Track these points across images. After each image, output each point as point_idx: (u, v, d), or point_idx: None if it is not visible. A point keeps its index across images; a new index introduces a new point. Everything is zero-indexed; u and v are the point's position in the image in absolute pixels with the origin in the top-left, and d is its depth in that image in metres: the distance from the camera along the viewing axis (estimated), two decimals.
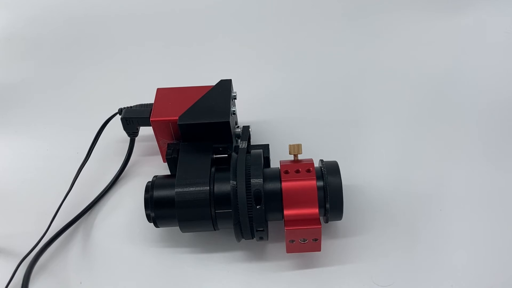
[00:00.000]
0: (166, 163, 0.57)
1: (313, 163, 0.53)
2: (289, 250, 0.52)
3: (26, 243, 0.56)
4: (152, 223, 0.54)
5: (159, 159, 0.64)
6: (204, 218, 0.52)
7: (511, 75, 0.72)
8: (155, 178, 0.54)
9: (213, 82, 0.61)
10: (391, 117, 0.69)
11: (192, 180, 0.52)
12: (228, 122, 0.55)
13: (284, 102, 0.72)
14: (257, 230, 0.51)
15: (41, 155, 0.68)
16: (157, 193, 0.53)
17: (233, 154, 0.55)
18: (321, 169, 0.53)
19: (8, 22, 0.88)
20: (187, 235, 0.58)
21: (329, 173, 0.52)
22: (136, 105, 0.62)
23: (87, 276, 0.55)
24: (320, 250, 0.52)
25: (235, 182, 0.51)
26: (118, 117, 0.62)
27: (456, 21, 0.80)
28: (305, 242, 0.51)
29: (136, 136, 0.63)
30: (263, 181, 0.51)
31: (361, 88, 0.73)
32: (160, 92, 0.61)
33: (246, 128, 0.60)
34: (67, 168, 0.62)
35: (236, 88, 0.62)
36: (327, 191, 0.51)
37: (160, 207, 0.52)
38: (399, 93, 0.72)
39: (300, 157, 0.54)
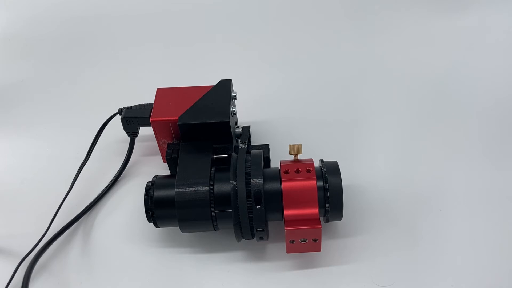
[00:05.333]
0: (166, 163, 0.58)
1: (313, 163, 0.53)
2: (289, 250, 0.52)
3: (26, 243, 0.56)
4: (152, 223, 0.54)
5: (159, 159, 0.64)
6: (204, 218, 0.52)
7: (511, 75, 0.72)
8: (155, 178, 0.54)
9: (213, 82, 0.61)
10: (391, 117, 0.69)
11: (192, 180, 0.52)
12: (228, 122, 0.55)
13: (284, 102, 0.72)
14: (257, 230, 0.51)
15: (41, 155, 0.68)
16: (157, 193, 0.53)
17: (233, 154, 0.55)
18: (321, 169, 0.53)
19: (8, 22, 0.88)
20: (187, 235, 0.58)
21: (329, 173, 0.52)
22: (136, 105, 0.62)
23: (87, 276, 0.55)
24: (320, 250, 0.52)
25: (235, 182, 0.51)
26: (118, 117, 0.62)
27: (456, 21, 0.80)
28: (305, 242, 0.51)
29: (136, 136, 0.63)
30: (263, 181, 0.51)
31: (361, 88, 0.73)
32: (160, 92, 0.61)
33: (246, 128, 0.60)
34: (67, 168, 0.63)
35: (236, 88, 0.62)
36: (327, 191, 0.51)
37: (160, 207, 0.52)
38: (399, 93, 0.72)
39: (300, 157, 0.54)
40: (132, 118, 0.61)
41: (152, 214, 0.53)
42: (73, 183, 0.59)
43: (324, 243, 0.54)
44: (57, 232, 0.58)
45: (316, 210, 0.50)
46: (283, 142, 0.60)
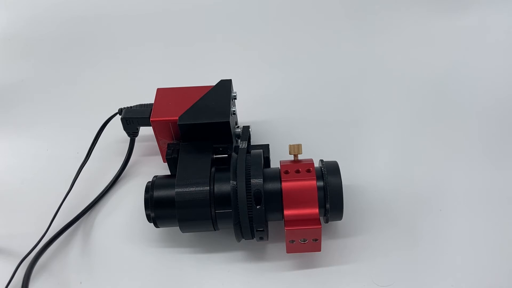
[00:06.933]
0: (166, 163, 0.58)
1: (313, 163, 0.53)
2: (289, 250, 0.52)
3: (26, 243, 0.56)
4: (152, 223, 0.54)
5: (159, 159, 0.64)
6: (204, 218, 0.52)
7: (511, 75, 0.72)
8: (155, 178, 0.54)
9: (213, 82, 0.61)
10: (391, 117, 0.69)
11: (192, 180, 0.52)
12: (228, 122, 0.55)
13: (284, 102, 0.72)
14: (257, 230, 0.51)
15: (41, 155, 0.68)
16: (157, 193, 0.53)
17: (233, 154, 0.55)
18: (321, 169, 0.53)
19: (8, 22, 0.88)
20: (187, 235, 0.58)
21: (329, 173, 0.52)
22: (136, 105, 0.62)
23: (87, 276, 0.55)
24: (320, 250, 0.52)
25: (235, 182, 0.51)
26: (118, 117, 0.62)
27: (456, 21, 0.80)
28: (305, 242, 0.51)
29: (136, 136, 0.63)
30: (263, 181, 0.51)
31: (361, 88, 0.73)
32: (160, 92, 0.61)
33: (246, 128, 0.60)
34: (67, 168, 0.63)
35: (236, 88, 0.62)
36: (327, 191, 0.51)
37: (160, 207, 0.52)
38: (399, 93, 0.72)
39: (300, 157, 0.54)
40: (132, 118, 0.61)
41: (152, 214, 0.53)
42: (73, 183, 0.59)
43: (324, 243, 0.54)
44: (57, 232, 0.58)
45: (316, 210, 0.50)
46: (283, 142, 0.60)
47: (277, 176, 0.52)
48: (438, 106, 0.69)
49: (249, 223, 0.51)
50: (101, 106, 0.66)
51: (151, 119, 0.58)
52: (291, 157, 0.54)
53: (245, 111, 0.67)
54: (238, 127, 0.61)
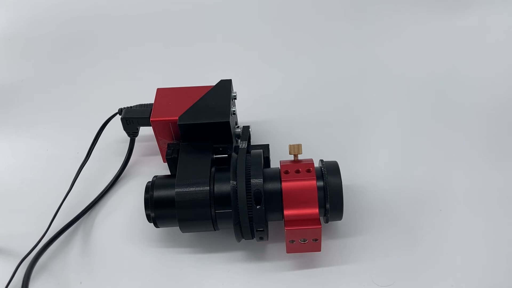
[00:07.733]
0: (166, 163, 0.58)
1: (313, 163, 0.53)
2: (289, 250, 0.52)
3: (26, 243, 0.56)
4: (152, 223, 0.54)
5: (159, 159, 0.64)
6: (204, 218, 0.52)
7: (511, 75, 0.72)
8: (155, 178, 0.55)
9: (213, 82, 0.61)
10: (391, 117, 0.69)
11: (192, 180, 0.52)
12: (228, 122, 0.55)
13: (284, 102, 0.72)
14: (257, 230, 0.51)
15: (41, 155, 0.68)
16: (157, 193, 0.53)
17: (233, 154, 0.55)
18: (321, 169, 0.53)
19: (8, 22, 0.88)
20: (187, 235, 0.58)
21: (329, 173, 0.52)
22: (136, 105, 0.62)
23: (87, 276, 0.55)
24: (320, 250, 0.52)
25: (235, 182, 0.51)
26: (118, 117, 0.62)
27: (456, 21, 0.80)
28: (305, 242, 0.51)
29: (136, 136, 0.64)
30: (263, 181, 0.51)
31: (361, 88, 0.73)
32: (160, 92, 0.61)
33: (246, 128, 0.60)
34: (67, 168, 0.63)
35: (236, 88, 0.62)
36: (327, 191, 0.51)
37: (160, 207, 0.52)
38: (399, 93, 0.72)
39: (300, 157, 0.54)
40: (132, 118, 0.61)
41: (152, 214, 0.53)
42: (73, 183, 0.59)
43: (324, 243, 0.54)
44: (57, 232, 0.58)
45: (316, 210, 0.50)
46: (283, 142, 0.60)
47: (277, 176, 0.52)
48: (438, 106, 0.69)
49: (249, 223, 0.51)
50: (101, 106, 0.66)
51: (151, 119, 0.58)
52: (291, 157, 0.54)
53: (245, 111, 0.67)
54: (238, 127, 0.61)
